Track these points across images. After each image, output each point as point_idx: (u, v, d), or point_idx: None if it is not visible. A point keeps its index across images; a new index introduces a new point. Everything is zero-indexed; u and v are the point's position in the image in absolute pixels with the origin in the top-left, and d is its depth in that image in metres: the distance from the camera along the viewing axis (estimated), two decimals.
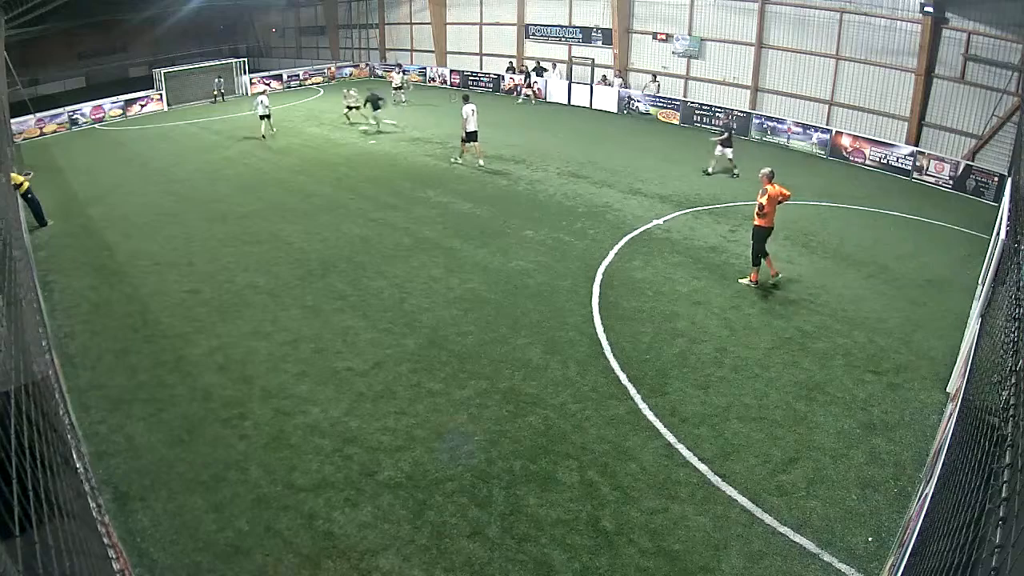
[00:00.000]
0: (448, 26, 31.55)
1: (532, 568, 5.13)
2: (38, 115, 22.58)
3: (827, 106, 19.01)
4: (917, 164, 15.98)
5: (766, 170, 9.53)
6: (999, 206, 8.88)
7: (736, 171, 15.62)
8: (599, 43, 25.08)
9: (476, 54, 30.80)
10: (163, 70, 27.38)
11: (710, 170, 15.82)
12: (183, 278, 10.51)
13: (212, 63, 30.59)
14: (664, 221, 12.74)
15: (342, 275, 10.47)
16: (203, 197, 14.84)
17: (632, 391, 7.36)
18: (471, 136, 16.30)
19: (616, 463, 6.25)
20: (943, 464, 4.43)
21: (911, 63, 16.58)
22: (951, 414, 5.60)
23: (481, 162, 16.72)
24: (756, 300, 9.53)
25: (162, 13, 32.64)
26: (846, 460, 6.26)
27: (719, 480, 6.02)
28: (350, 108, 22.16)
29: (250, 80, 30.07)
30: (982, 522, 2.17)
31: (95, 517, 3.65)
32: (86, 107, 24.27)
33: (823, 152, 18.18)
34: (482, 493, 5.91)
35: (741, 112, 20.36)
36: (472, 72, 30.07)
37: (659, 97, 22.77)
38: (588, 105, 24.94)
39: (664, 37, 22.90)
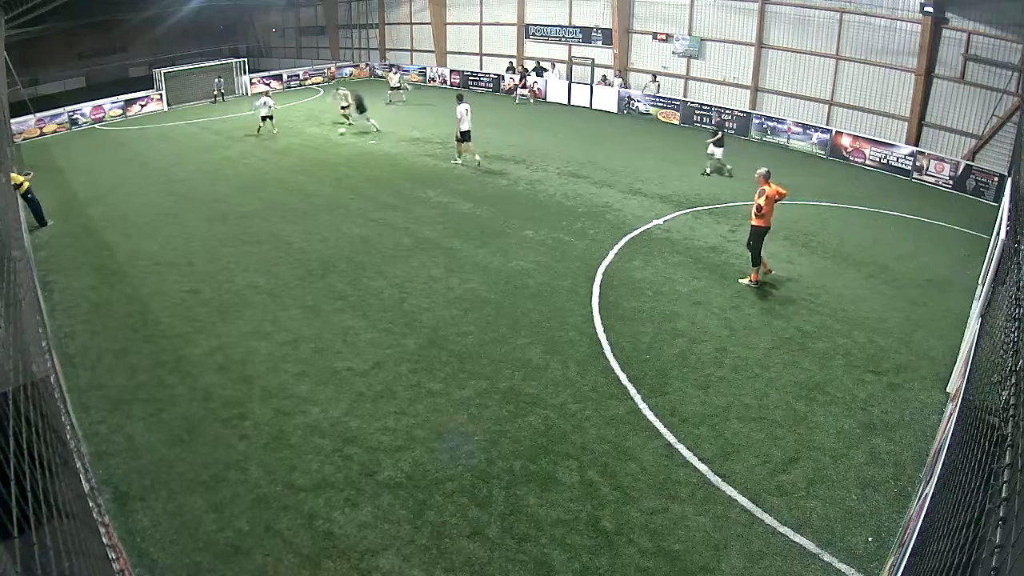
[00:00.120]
0: (448, 26, 31.54)
1: (532, 568, 5.13)
2: (38, 115, 22.58)
3: (827, 106, 19.00)
4: (917, 164, 15.98)
5: (763, 170, 9.53)
6: (999, 206, 8.88)
7: (729, 169, 15.67)
8: (599, 43, 25.07)
9: (476, 54, 30.80)
10: (163, 70, 27.37)
11: (708, 171, 15.83)
12: (183, 278, 10.51)
13: (212, 63, 30.57)
14: (664, 221, 12.74)
15: (342, 275, 10.47)
16: (203, 197, 14.84)
17: (632, 391, 7.36)
18: (465, 136, 16.41)
19: (616, 463, 6.25)
20: (943, 464, 4.43)
21: (911, 63, 16.57)
22: (951, 414, 5.60)
23: (477, 158, 16.84)
24: (756, 300, 9.53)
25: (162, 13, 32.62)
26: (846, 460, 6.26)
27: (719, 480, 6.02)
28: (344, 108, 22.13)
29: (250, 80, 30.06)
30: (982, 522, 2.17)
31: (95, 517, 3.65)
32: (86, 107, 24.27)
33: (823, 152, 18.18)
34: (482, 493, 5.91)
35: (741, 112, 20.37)
36: (472, 72, 30.07)
37: (659, 97, 22.77)
38: (588, 105, 24.93)
39: (664, 37, 22.89)
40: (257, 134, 20.72)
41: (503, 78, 28.41)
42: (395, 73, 27.54)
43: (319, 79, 32.91)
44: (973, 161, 15.27)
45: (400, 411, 7.09)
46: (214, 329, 8.90)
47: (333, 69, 33.89)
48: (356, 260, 11.05)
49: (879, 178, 16.23)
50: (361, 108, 21.02)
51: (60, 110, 23.47)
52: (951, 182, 15.25)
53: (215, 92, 28.46)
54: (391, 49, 35.69)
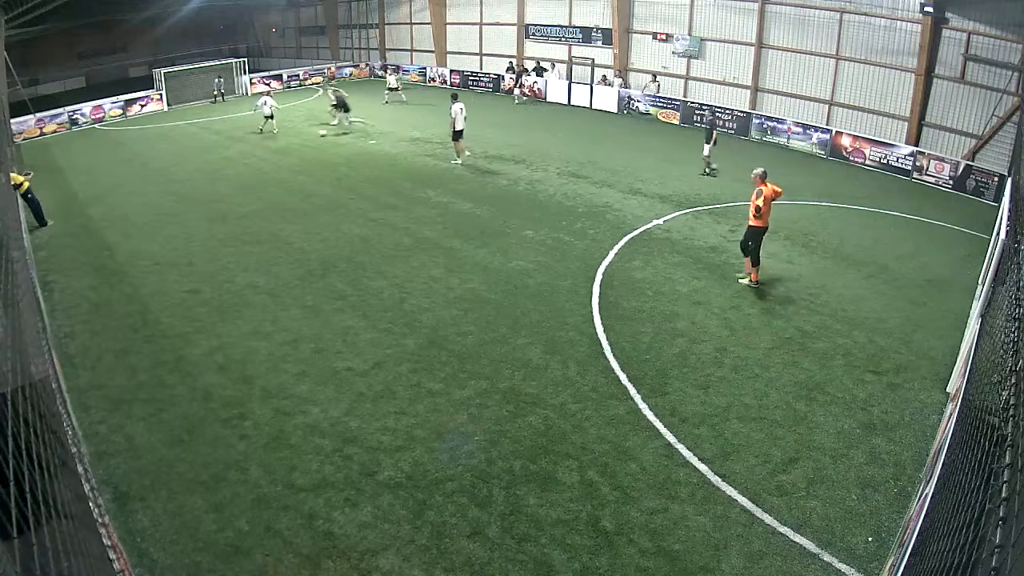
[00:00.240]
0: (448, 26, 31.54)
1: (532, 568, 5.13)
2: (38, 115, 22.57)
3: (827, 106, 19.00)
4: (917, 164, 15.98)
5: (759, 170, 9.52)
6: (999, 206, 8.88)
7: (713, 168, 15.71)
8: (599, 43, 25.07)
9: (476, 54, 30.80)
10: (163, 70, 27.36)
11: (707, 171, 15.84)
12: (183, 278, 10.51)
13: (212, 63, 30.57)
14: (664, 221, 12.74)
15: (342, 275, 10.47)
16: (203, 197, 14.84)
17: (632, 391, 7.36)
18: (458, 135, 16.54)
19: (616, 463, 6.25)
20: (943, 464, 4.43)
21: (911, 63, 16.57)
22: (951, 414, 5.59)
23: (467, 152, 17.11)
24: (756, 300, 9.53)
25: (162, 13, 32.61)
26: (846, 460, 6.26)
27: (719, 480, 6.02)
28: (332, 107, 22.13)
29: (250, 80, 30.07)
30: (982, 522, 2.16)
31: (95, 518, 3.65)
32: (86, 107, 24.26)
33: (823, 152, 18.17)
34: (482, 493, 5.91)
35: (741, 112, 20.37)
36: (472, 72, 30.07)
37: (659, 97, 22.77)
38: (588, 105, 24.93)
39: (664, 37, 22.89)
40: (260, 132, 20.98)
41: (503, 78, 28.41)
42: (390, 73, 27.61)
43: (319, 79, 32.92)
44: (973, 161, 15.27)
45: (400, 411, 7.09)
46: (214, 329, 8.90)
47: (333, 69, 33.88)
48: (356, 260, 11.05)
49: (879, 178, 16.23)
50: (344, 108, 21.00)
51: (60, 110, 23.46)
52: (951, 182, 15.25)
53: (215, 92, 28.46)
54: (391, 49, 35.69)
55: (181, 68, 28.99)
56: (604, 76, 24.80)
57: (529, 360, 8.01)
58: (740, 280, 9.99)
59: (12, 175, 11.57)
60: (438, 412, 7.07)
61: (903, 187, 15.47)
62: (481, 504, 5.78)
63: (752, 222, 9.54)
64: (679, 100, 22.27)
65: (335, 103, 21.59)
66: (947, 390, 7.20)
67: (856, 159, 17.38)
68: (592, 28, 25.24)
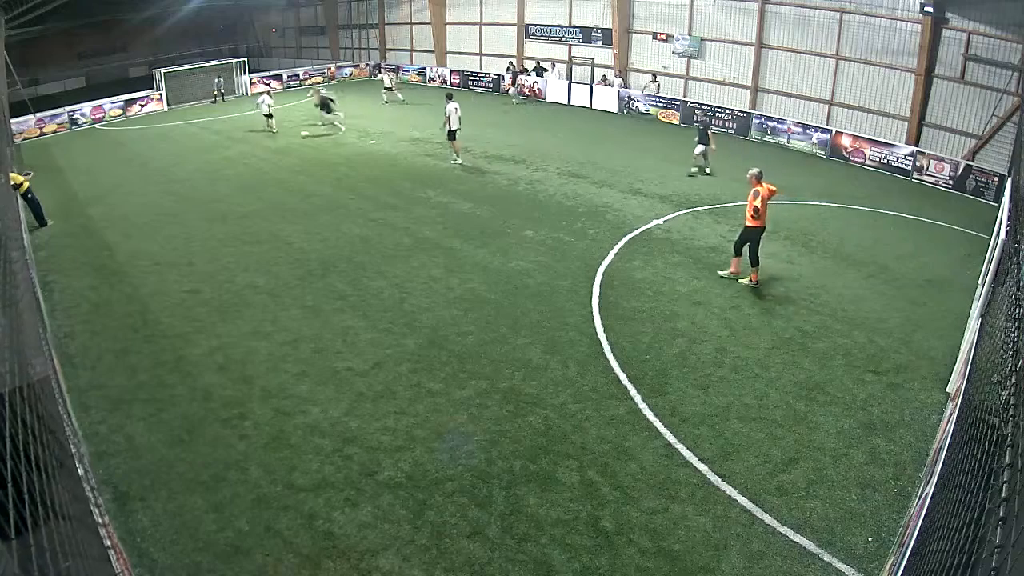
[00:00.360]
0: (448, 26, 31.54)
1: (532, 568, 5.13)
2: (38, 115, 22.57)
3: (827, 106, 18.99)
4: (917, 164, 15.97)
5: (754, 171, 9.52)
6: (999, 206, 8.88)
7: (694, 170, 15.73)
8: (599, 43, 25.07)
9: (476, 54, 30.80)
10: (163, 70, 27.36)
11: (707, 170, 15.83)
12: (183, 278, 10.51)
13: (212, 63, 30.57)
14: (664, 221, 12.74)
15: (342, 275, 10.47)
16: (203, 197, 14.84)
17: (632, 391, 7.36)
18: (452, 135, 16.65)
19: (616, 463, 6.25)
20: (943, 464, 4.42)
21: (911, 63, 16.57)
22: (951, 414, 5.59)
23: (455, 155, 17.19)
24: (756, 300, 9.53)
25: (162, 13, 32.60)
26: (846, 460, 6.26)
27: (719, 480, 6.01)
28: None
29: (250, 80, 30.06)
30: (982, 522, 2.16)
31: (95, 518, 3.65)
32: (86, 107, 24.26)
33: (823, 152, 18.16)
34: (482, 493, 5.91)
35: (741, 112, 20.36)
36: (472, 72, 30.07)
37: (659, 97, 22.76)
38: (588, 105, 24.92)
39: (664, 37, 22.89)
40: (274, 132, 21.07)
41: (503, 78, 28.41)
42: (386, 73, 27.72)
43: (319, 79, 32.92)
44: (973, 161, 15.26)
45: (400, 411, 7.09)
46: (214, 329, 8.90)
47: (333, 69, 33.89)
48: (356, 260, 11.05)
49: (879, 178, 16.22)
50: (326, 108, 20.95)
51: (60, 110, 23.46)
52: (951, 182, 15.24)
53: (215, 92, 28.46)
54: (391, 49, 35.69)
55: (181, 68, 28.99)
56: (604, 76, 24.79)
57: (529, 360, 8.01)
58: (730, 277, 9.99)
59: (12, 175, 11.57)
60: (438, 412, 7.07)
61: (903, 187, 15.47)
62: (481, 504, 5.78)
63: (750, 223, 9.53)
64: (679, 100, 22.27)
65: (318, 104, 21.53)
66: (947, 390, 7.20)
67: (856, 159, 17.37)
68: (592, 28, 25.24)
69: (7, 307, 3.44)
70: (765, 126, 19.67)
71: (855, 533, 5.41)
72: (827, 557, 5.18)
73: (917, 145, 16.52)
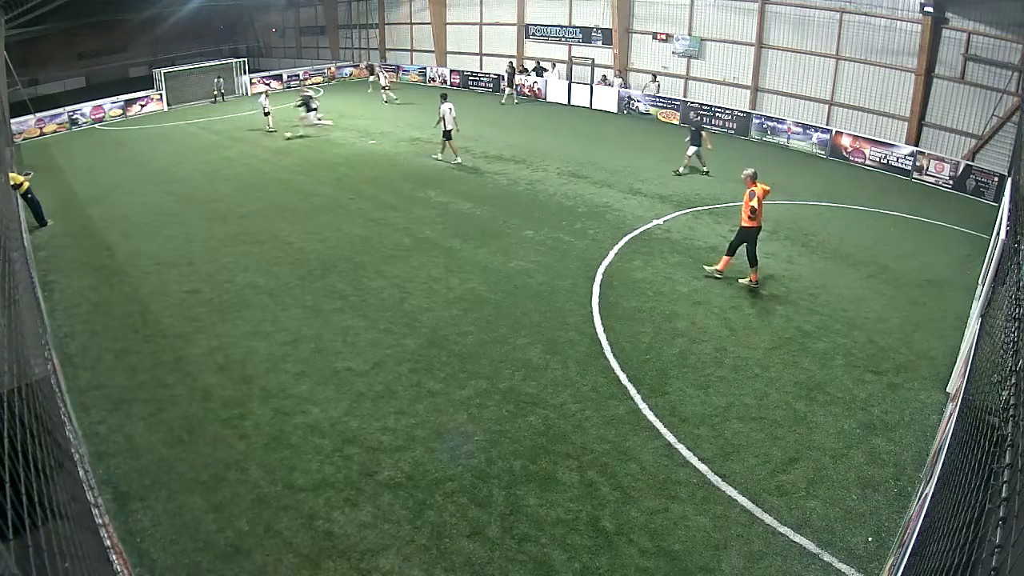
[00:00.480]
0: (448, 26, 31.55)
1: (532, 568, 5.13)
2: (38, 115, 22.58)
3: (827, 106, 19.00)
4: (917, 164, 15.97)
5: (749, 171, 9.51)
6: (999, 206, 8.88)
7: (683, 169, 15.70)
8: (599, 43, 25.07)
9: (476, 54, 30.80)
10: (163, 70, 27.38)
11: (705, 169, 15.83)
12: (183, 278, 10.51)
13: (212, 63, 30.59)
14: (664, 221, 12.74)
15: (342, 275, 10.47)
16: (203, 197, 14.84)
17: (632, 391, 7.36)
18: (446, 135, 16.72)
19: (616, 463, 6.25)
20: (943, 464, 4.42)
21: (911, 63, 16.57)
22: (951, 414, 5.59)
23: (437, 156, 17.36)
24: (756, 300, 9.53)
25: (162, 13, 32.63)
26: (846, 460, 6.25)
27: (719, 480, 6.01)
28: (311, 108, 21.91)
29: (250, 80, 30.07)
30: (982, 522, 2.16)
31: (95, 518, 3.65)
32: (86, 107, 24.27)
33: (823, 152, 18.17)
34: (482, 493, 5.90)
35: (741, 112, 20.36)
36: (472, 72, 30.07)
37: (659, 97, 22.76)
38: (588, 105, 24.93)
39: (664, 37, 22.89)
40: (275, 131, 21.03)
41: (503, 78, 28.40)
42: (380, 70, 27.90)
43: (319, 79, 32.93)
44: (973, 161, 15.27)
45: (400, 411, 7.08)
46: (214, 329, 8.90)
47: (333, 69, 33.89)
48: (356, 260, 11.05)
49: (879, 178, 16.22)
50: (307, 107, 20.88)
51: (60, 110, 23.46)
52: (951, 182, 15.24)
53: (215, 92, 28.47)
54: (391, 49, 35.69)
55: (181, 68, 29.02)
56: (604, 76, 24.79)
57: (529, 360, 8.00)
58: (713, 275, 10.02)
59: (12, 175, 11.57)
60: (438, 412, 7.07)
61: (903, 187, 15.47)
62: (481, 504, 5.78)
63: (747, 223, 9.51)
64: (679, 100, 22.26)
65: (299, 103, 21.43)
66: (947, 390, 7.19)
67: (856, 159, 17.37)
68: (592, 28, 25.24)
69: (6, 307, 3.44)
70: (765, 126, 19.67)
71: (855, 533, 5.41)
72: (827, 557, 5.18)
73: (917, 145, 16.53)
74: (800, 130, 18.77)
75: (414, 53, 34.23)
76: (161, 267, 10.96)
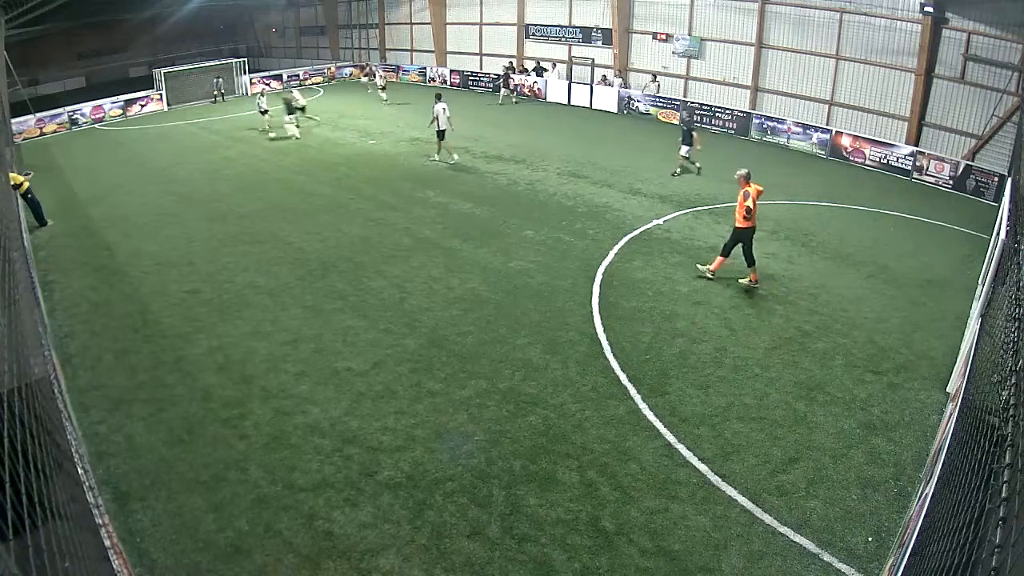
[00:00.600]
0: (448, 26, 31.55)
1: (532, 568, 5.13)
2: (38, 115, 22.59)
3: (827, 106, 19.00)
4: (917, 164, 15.97)
5: (743, 171, 9.50)
6: (999, 206, 8.88)
7: (679, 170, 15.72)
8: (599, 43, 25.07)
9: (476, 54, 30.80)
10: (163, 70, 27.39)
11: (697, 165, 15.83)
12: (183, 278, 10.51)
13: (212, 63, 30.60)
14: (664, 221, 12.74)
15: (342, 275, 10.47)
16: (203, 197, 14.84)
17: (632, 391, 7.36)
18: (440, 134, 16.80)
19: (616, 463, 6.25)
20: (943, 464, 4.42)
21: (911, 63, 16.57)
22: (951, 414, 5.59)
23: (435, 157, 17.29)
24: (756, 300, 9.53)
25: (162, 13, 32.65)
26: (846, 460, 6.25)
27: (719, 480, 6.01)
28: (302, 109, 21.76)
29: (250, 80, 30.08)
30: (982, 522, 2.16)
31: (95, 518, 3.65)
32: (86, 107, 24.28)
33: (823, 152, 18.17)
34: (482, 493, 5.90)
35: (741, 112, 20.36)
36: (472, 72, 30.07)
37: (659, 97, 22.76)
38: (588, 105, 24.93)
39: (664, 37, 22.89)
40: (271, 128, 21.03)
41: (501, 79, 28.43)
42: (378, 69, 27.94)
43: (319, 79, 32.92)
44: (973, 161, 15.26)
45: (400, 411, 7.08)
46: (214, 329, 8.90)
47: (333, 69, 33.89)
48: (356, 260, 11.05)
49: (879, 178, 16.22)
50: (289, 110, 20.68)
51: (60, 110, 23.48)
52: (951, 182, 15.24)
53: (215, 92, 28.48)
54: (391, 49, 35.69)
55: (181, 68, 29.03)
56: (604, 76, 24.79)
57: (529, 360, 8.00)
58: (705, 275, 10.03)
59: (12, 175, 11.57)
60: (438, 412, 7.07)
61: (903, 187, 15.47)
62: (481, 504, 5.78)
63: (741, 224, 9.49)
64: (679, 100, 22.26)
65: (285, 106, 21.31)
66: (947, 390, 7.19)
67: (856, 159, 17.37)
68: (592, 28, 25.24)
69: (6, 307, 3.44)
70: (765, 126, 19.67)
71: (855, 533, 5.41)
72: (827, 557, 5.18)
73: (917, 145, 16.52)
74: (800, 130, 18.76)
75: (414, 53, 34.23)
76: (161, 267, 10.96)
